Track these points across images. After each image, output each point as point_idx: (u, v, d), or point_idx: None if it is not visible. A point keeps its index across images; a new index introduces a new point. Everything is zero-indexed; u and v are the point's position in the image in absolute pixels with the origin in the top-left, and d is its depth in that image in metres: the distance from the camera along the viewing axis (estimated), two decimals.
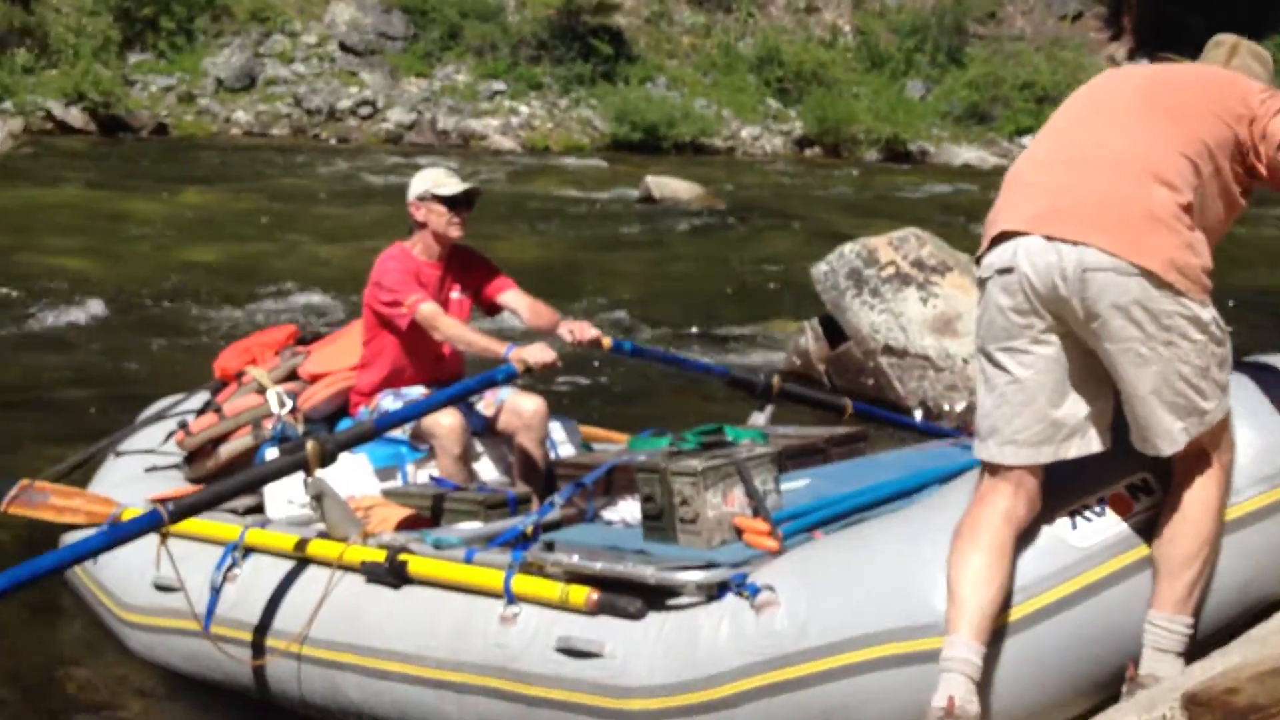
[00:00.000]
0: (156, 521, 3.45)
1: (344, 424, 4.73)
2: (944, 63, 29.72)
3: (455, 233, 4.68)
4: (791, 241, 14.69)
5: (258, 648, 3.75)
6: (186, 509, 3.54)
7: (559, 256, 13.20)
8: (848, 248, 8.53)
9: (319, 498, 3.75)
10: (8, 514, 4.79)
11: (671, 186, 17.98)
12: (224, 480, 3.80)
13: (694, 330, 9.95)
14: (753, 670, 2.93)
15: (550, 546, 3.35)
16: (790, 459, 4.01)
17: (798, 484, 3.67)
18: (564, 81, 27.24)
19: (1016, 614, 2.81)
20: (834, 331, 8.48)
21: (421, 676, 3.41)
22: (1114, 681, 2.87)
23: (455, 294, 4.77)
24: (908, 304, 8.17)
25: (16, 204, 14.36)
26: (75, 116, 22.60)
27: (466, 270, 4.82)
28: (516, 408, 4.58)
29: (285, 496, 4.21)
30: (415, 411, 4.21)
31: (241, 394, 4.97)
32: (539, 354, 4.30)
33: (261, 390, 4.93)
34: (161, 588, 3.94)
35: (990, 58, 29.53)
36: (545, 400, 4.64)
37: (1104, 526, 2.88)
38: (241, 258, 12.19)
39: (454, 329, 4.53)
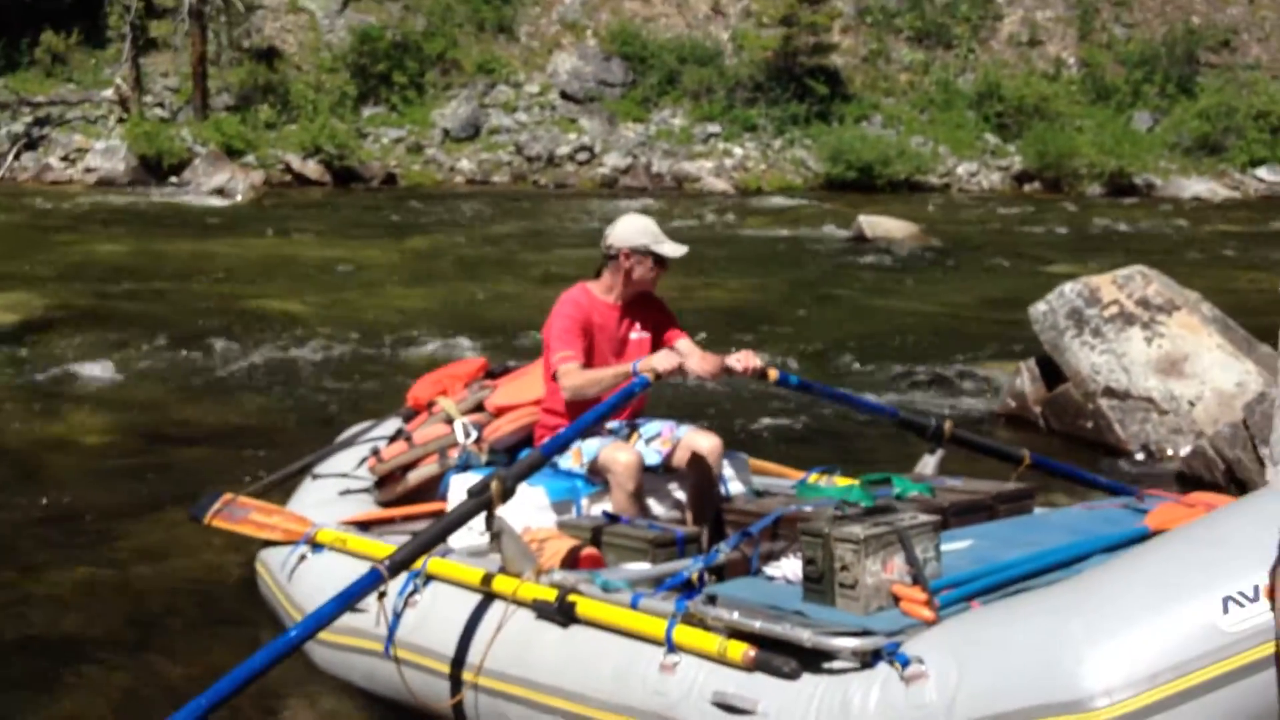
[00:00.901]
0: (378, 580, 3.59)
1: (526, 454, 4.79)
2: (1174, 93, 28.70)
3: (650, 286, 4.80)
4: (1008, 280, 14.33)
5: (434, 673, 3.88)
6: (401, 563, 3.68)
7: (769, 296, 13.19)
8: (1068, 286, 8.26)
9: (498, 535, 3.89)
10: (212, 527, 5.04)
11: (884, 225, 17.78)
12: (427, 529, 3.90)
13: (905, 369, 9.76)
14: None
15: (712, 599, 3.37)
16: (956, 516, 3.99)
17: (960, 545, 3.61)
18: (779, 122, 27.32)
19: (1164, 692, 2.79)
20: (1051, 373, 8.21)
21: (584, 715, 3.49)
22: None
23: (635, 334, 4.82)
24: (1131, 344, 7.86)
25: (255, 251, 15.20)
26: (312, 168, 23.82)
27: (646, 310, 4.88)
28: (694, 444, 4.61)
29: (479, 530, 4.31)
30: (573, 432, 4.29)
31: (431, 424, 5.12)
32: (664, 360, 4.39)
33: (449, 420, 5.07)
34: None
35: (1223, 87, 28.37)
36: (721, 439, 4.66)
37: (1255, 612, 2.84)
38: (457, 299, 12.59)
39: (578, 380, 4.56)
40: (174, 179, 22.77)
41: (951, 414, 8.52)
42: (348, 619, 3.98)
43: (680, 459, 4.63)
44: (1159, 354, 7.79)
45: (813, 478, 4.98)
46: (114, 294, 12.32)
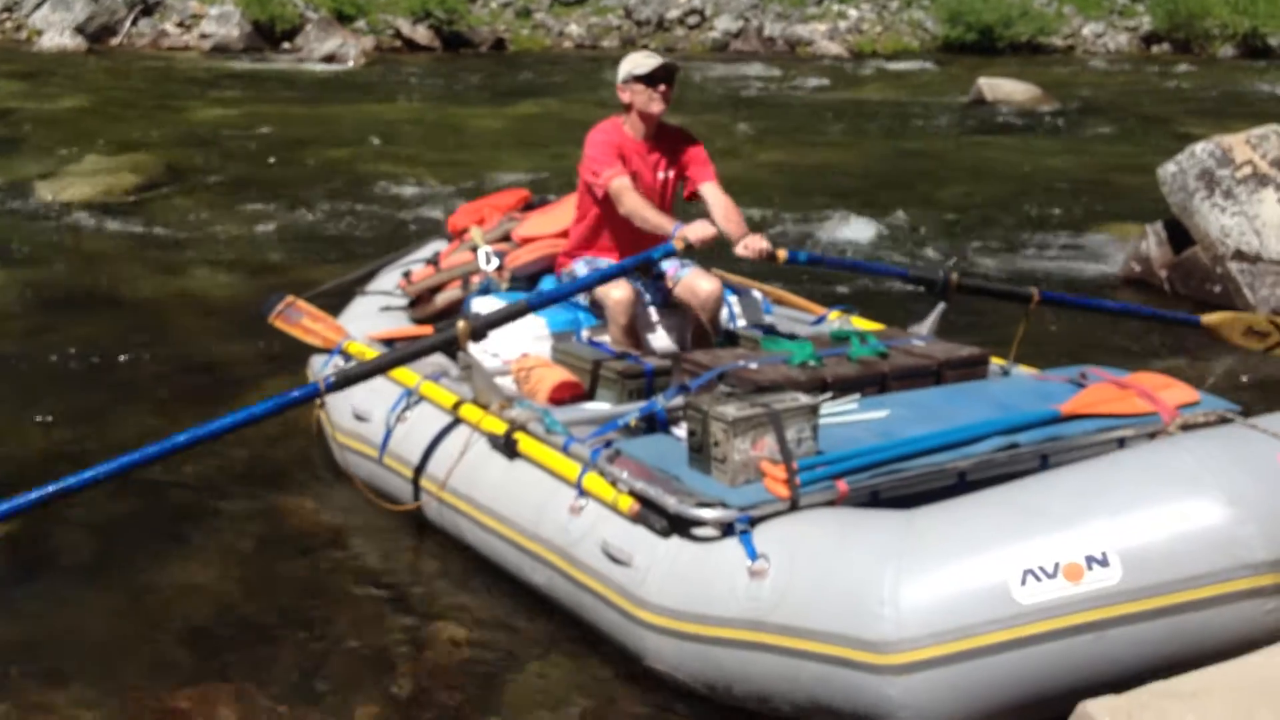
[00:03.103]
0: (315, 393, 4.06)
1: (546, 282, 5.14)
2: None
3: (657, 108, 4.86)
4: (1133, 143, 13.85)
5: (412, 483, 4.33)
6: (340, 383, 4.11)
7: (885, 161, 12.90)
8: (1199, 147, 7.96)
9: (467, 369, 4.23)
10: (273, 326, 5.37)
11: (1005, 88, 17.25)
12: (381, 356, 4.26)
13: (1026, 233, 9.54)
14: (737, 624, 3.21)
15: (618, 454, 3.66)
16: (897, 380, 4.19)
17: (875, 414, 3.83)
18: None
19: (951, 649, 2.96)
20: (1179, 236, 7.97)
21: (512, 539, 3.89)
22: None
23: (662, 173, 4.93)
24: (1264, 206, 7.57)
25: (362, 116, 15.24)
26: (421, 33, 23.72)
27: (676, 151, 4.97)
28: (693, 287, 4.80)
29: (490, 351, 4.75)
30: (568, 290, 4.50)
31: (460, 251, 5.41)
32: (699, 230, 4.45)
33: (476, 248, 5.35)
34: (357, 416, 4.57)
35: None
36: (720, 284, 4.86)
37: (1050, 589, 2.99)
38: (562, 159, 12.51)
39: (634, 204, 4.67)
40: (286, 45, 22.85)
41: (1073, 277, 8.35)
42: (356, 426, 4.58)
43: (681, 296, 4.84)
44: None
45: (832, 315, 5.25)
46: (229, 157, 12.49)
